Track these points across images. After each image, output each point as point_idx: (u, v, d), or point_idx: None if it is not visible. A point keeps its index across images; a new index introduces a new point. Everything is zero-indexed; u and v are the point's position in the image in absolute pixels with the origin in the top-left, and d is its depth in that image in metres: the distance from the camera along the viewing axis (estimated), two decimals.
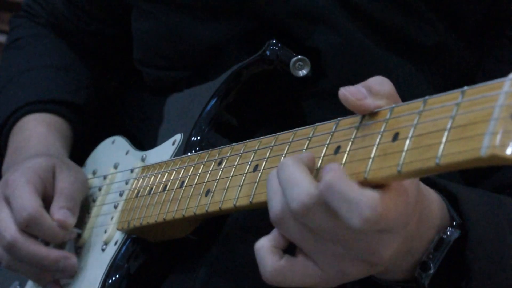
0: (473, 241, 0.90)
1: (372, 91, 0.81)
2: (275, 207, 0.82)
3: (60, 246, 1.21)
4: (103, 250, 1.16)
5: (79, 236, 1.21)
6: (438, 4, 1.09)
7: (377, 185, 0.76)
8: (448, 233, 0.89)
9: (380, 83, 0.82)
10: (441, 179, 0.93)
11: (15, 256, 1.16)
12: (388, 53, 1.10)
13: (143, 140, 1.27)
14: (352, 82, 0.80)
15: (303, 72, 1.10)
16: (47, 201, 1.18)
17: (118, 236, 1.15)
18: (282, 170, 0.81)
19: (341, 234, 0.79)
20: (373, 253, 0.80)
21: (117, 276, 1.12)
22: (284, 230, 0.82)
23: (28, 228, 1.15)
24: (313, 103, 1.12)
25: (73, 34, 1.45)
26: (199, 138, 1.14)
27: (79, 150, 1.37)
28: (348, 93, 0.81)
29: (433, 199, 0.89)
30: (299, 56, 1.10)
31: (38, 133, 1.32)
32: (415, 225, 0.83)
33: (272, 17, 1.13)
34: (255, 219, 1.09)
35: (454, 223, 0.90)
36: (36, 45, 1.46)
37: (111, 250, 1.14)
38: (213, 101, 1.15)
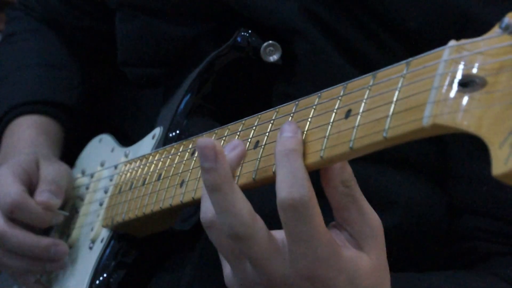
0: None
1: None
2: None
3: None
4: (90, 248, 1.16)
5: (67, 230, 1.22)
6: (401, 34, 1.06)
7: None
8: None
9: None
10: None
11: (5, 248, 1.17)
12: (354, 69, 1.08)
13: (131, 137, 1.27)
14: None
15: (273, 58, 1.08)
16: (33, 191, 1.19)
17: (104, 234, 1.15)
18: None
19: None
20: None
21: (104, 275, 1.12)
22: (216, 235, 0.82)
23: (14, 214, 1.16)
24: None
25: (66, 29, 1.46)
26: (178, 132, 1.14)
27: (71, 150, 1.38)
28: None
29: None
30: (270, 41, 1.09)
31: (26, 137, 1.33)
32: None
33: (250, 22, 1.13)
34: None
35: None
36: (30, 41, 1.46)
37: (98, 247, 1.15)
38: (188, 95, 1.15)
